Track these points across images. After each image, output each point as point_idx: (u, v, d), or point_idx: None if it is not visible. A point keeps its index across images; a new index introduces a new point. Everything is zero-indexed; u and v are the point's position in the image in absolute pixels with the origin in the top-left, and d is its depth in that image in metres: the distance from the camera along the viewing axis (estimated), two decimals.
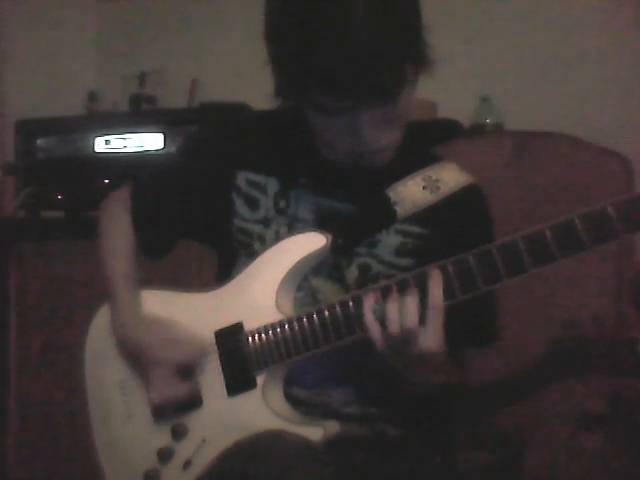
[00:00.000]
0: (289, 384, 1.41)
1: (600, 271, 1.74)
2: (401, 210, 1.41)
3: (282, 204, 1.47)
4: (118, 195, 1.63)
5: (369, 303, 1.25)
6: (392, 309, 1.22)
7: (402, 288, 1.25)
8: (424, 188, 1.41)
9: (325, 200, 1.46)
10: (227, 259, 1.52)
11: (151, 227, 1.57)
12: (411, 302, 1.21)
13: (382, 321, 1.23)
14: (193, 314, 1.46)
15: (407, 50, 1.24)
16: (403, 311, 1.21)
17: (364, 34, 1.19)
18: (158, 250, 1.60)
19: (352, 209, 1.44)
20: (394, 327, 1.21)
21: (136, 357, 1.47)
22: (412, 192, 1.41)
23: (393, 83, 1.24)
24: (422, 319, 1.21)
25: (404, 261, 1.43)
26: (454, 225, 1.42)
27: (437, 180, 1.42)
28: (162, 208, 1.56)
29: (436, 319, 1.22)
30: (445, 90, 2.57)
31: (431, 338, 1.22)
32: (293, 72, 1.26)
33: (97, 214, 1.64)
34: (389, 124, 1.31)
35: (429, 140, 1.58)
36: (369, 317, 1.25)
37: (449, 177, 1.44)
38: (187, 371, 1.42)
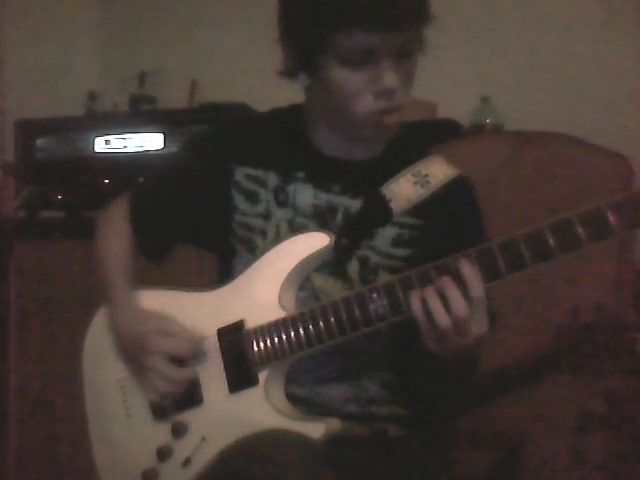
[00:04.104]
0: (289, 383, 1.41)
1: (600, 261, 1.74)
2: (396, 206, 1.46)
3: (282, 197, 1.50)
4: (115, 204, 1.63)
5: (416, 302, 1.26)
6: (436, 305, 1.24)
7: (425, 280, 1.27)
8: (415, 183, 1.47)
9: (323, 193, 1.49)
10: (228, 258, 1.52)
11: (150, 230, 1.57)
12: (454, 294, 1.24)
13: (429, 317, 1.25)
14: (196, 313, 1.46)
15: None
16: (450, 305, 1.23)
17: None
18: (158, 253, 1.60)
19: (348, 203, 1.48)
20: (444, 321, 1.23)
21: (133, 352, 1.46)
22: (404, 188, 1.46)
23: (422, 17, 1.35)
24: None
25: (401, 251, 1.46)
26: (446, 215, 1.48)
27: (426, 175, 1.48)
28: (161, 211, 1.57)
29: (482, 305, 1.25)
30: (445, 90, 2.58)
31: (479, 323, 1.25)
32: (332, 13, 1.30)
33: (96, 220, 1.63)
34: (406, 82, 1.39)
35: (428, 140, 1.61)
36: (421, 316, 1.26)
37: (437, 171, 1.49)
38: (183, 361, 1.42)
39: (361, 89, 1.36)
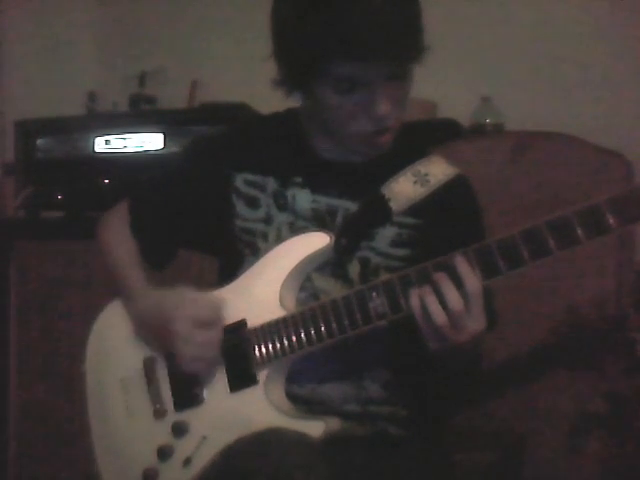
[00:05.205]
0: (289, 382, 1.42)
1: (601, 253, 1.74)
2: (396, 206, 1.46)
3: (281, 202, 1.51)
4: (114, 212, 1.64)
5: (415, 299, 1.27)
6: (432, 301, 1.25)
7: (423, 278, 1.28)
8: (415, 182, 1.47)
9: (321, 197, 1.49)
10: (231, 262, 1.53)
11: (152, 238, 1.58)
12: (448, 290, 1.24)
13: (426, 313, 1.26)
14: None
15: (419, 25, 1.36)
16: (445, 300, 1.24)
17: (387, 7, 1.31)
18: (161, 261, 1.61)
19: (347, 205, 1.48)
20: (439, 316, 1.24)
21: (158, 328, 1.43)
22: (404, 187, 1.47)
23: (414, 50, 1.35)
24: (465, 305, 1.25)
25: (400, 251, 1.47)
26: (446, 214, 1.48)
27: (426, 174, 1.49)
28: (162, 218, 1.58)
29: (477, 301, 1.25)
30: (445, 90, 2.58)
31: (476, 319, 1.25)
32: (321, 44, 1.31)
33: (96, 225, 1.64)
34: (398, 104, 1.39)
35: (429, 140, 1.61)
36: (419, 313, 1.26)
37: (437, 170, 1.50)
38: (209, 324, 1.40)
39: (353, 113, 1.38)
